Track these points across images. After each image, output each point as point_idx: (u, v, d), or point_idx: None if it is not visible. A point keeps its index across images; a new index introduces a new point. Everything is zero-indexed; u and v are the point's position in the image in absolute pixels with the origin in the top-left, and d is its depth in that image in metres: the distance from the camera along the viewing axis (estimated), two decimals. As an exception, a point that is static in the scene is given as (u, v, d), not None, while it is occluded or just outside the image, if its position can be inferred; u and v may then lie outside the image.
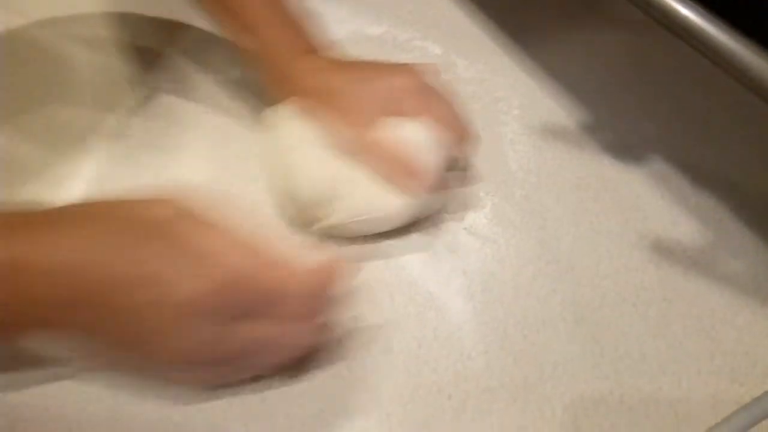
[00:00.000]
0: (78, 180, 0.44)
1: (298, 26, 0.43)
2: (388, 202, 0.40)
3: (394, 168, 0.39)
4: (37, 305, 0.28)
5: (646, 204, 0.45)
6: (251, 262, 0.31)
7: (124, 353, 0.31)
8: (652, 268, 0.42)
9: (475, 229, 0.43)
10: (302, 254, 0.33)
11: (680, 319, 0.40)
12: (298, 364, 0.35)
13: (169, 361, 0.31)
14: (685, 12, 0.60)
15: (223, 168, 0.45)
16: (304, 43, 0.43)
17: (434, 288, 0.40)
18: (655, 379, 0.37)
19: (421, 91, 0.41)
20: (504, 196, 0.45)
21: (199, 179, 0.45)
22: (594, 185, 0.46)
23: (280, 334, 0.32)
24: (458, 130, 0.42)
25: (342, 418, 0.35)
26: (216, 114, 0.48)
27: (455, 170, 0.44)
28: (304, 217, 0.41)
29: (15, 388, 0.34)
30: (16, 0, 0.55)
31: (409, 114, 0.40)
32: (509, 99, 0.52)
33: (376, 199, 0.40)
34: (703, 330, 0.39)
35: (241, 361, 0.32)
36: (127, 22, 0.55)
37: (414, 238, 0.42)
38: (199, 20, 0.55)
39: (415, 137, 0.40)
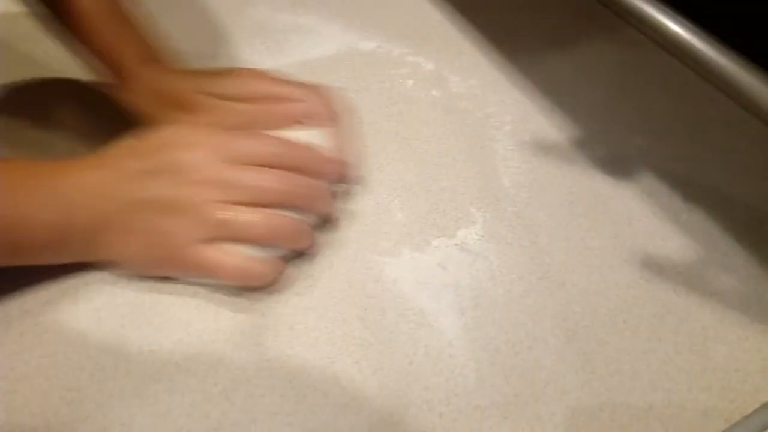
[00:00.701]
0: None
1: (141, 37, 0.45)
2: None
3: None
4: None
5: (637, 219, 0.45)
6: None
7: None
8: (643, 283, 0.42)
9: (467, 245, 0.43)
10: None
11: (671, 336, 0.40)
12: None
13: None
14: (675, 28, 0.60)
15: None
16: (149, 51, 0.45)
17: (426, 304, 0.40)
18: (646, 396, 0.37)
19: (276, 90, 0.45)
20: (495, 212, 0.45)
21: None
22: (585, 201, 0.46)
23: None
24: (328, 117, 0.45)
25: (332, 436, 0.34)
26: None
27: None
28: None
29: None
30: None
31: (278, 123, 0.44)
32: (501, 115, 0.52)
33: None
34: (694, 346, 0.39)
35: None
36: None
37: (405, 254, 0.42)
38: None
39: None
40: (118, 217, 0.36)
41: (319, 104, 0.45)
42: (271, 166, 0.38)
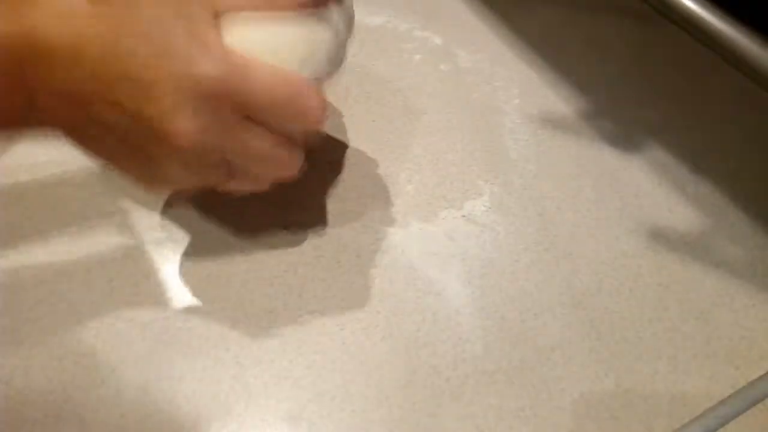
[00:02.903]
0: None
1: None
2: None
3: None
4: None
5: (645, 191, 0.46)
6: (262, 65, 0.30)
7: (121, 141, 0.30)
8: (650, 254, 0.42)
9: (474, 216, 0.44)
10: None
11: (677, 304, 0.40)
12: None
13: (170, 147, 0.29)
14: (683, 1, 0.60)
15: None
16: None
17: (433, 274, 0.41)
18: (651, 363, 0.37)
19: None
20: (503, 184, 0.45)
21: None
22: (592, 173, 0.47)
23: (277, 142, 0.32)
24: None
25: (341, 400, 0.35)
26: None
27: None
28: None
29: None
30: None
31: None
32: (509, 89, 0.52)
33: None
34: (700, 314, 0.40)
35: (238, 163, 0.32)
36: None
37: (413, 225, 0.43)
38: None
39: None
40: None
41: None
42: None
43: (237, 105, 0.29)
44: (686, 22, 0.59)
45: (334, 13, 0.34)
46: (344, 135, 0.48)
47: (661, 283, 0.41)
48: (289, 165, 0.34)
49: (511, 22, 0.59)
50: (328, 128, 0.48)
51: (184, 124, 0.28)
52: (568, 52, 0.56)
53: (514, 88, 0.53)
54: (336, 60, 0.35)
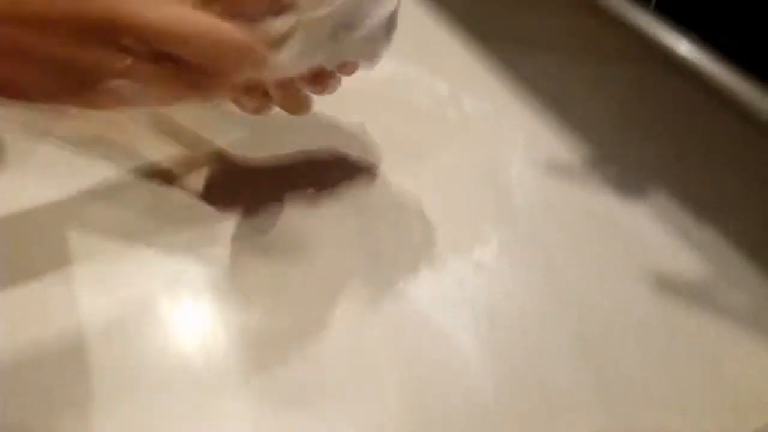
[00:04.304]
0: None
1: None
2: None
3: None
4: None
5: (649, 237, 0.46)
6: None
7: None
8: (655, 300, 0.43)
9: (483, 263, 0.44)
10: None
11: (684, 352, 0.40)
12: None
13: None
14: (683, 47, 0.61)
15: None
16: None
17: (443, 321, 0.41)
18: (659, 412, 0.38)
19: None
20: (510, 231, 0.46)
21: None
22: (598, 219, 0.48)
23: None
24: None
25: (354, 450, 0.35)
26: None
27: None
28: None
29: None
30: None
31: None
32: (514, 135, 0.54)
33: None
34: (707, 362, 0.40)
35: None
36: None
37: (422, 272, 0.44)
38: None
39: None
40: None
41: None
42: None
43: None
44: (686, 67, 0.60)
45: None
46: (352, 183, 0.49)
47: (668, 331, 0.42)
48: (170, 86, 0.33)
49: (514, 69, 0.60)
50: (334, 175, 0.49)
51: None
52: (571, 98, 0.58)
53: (519, 135, 0.54)
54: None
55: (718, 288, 0.44)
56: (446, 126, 0.54)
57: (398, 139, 0.53)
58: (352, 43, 0.37)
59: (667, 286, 0.44)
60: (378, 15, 0.37)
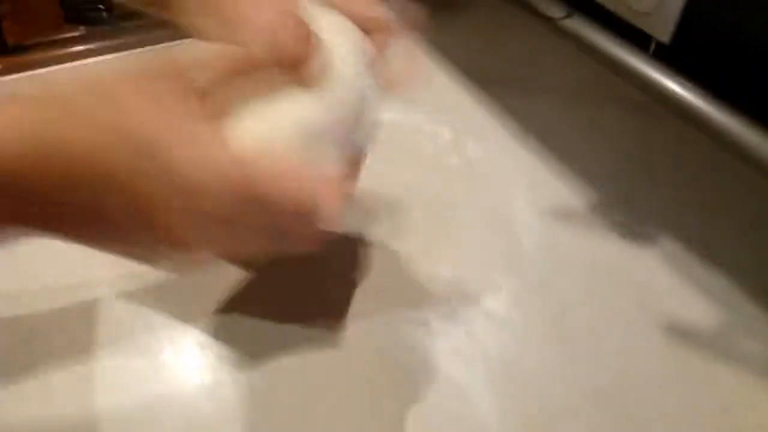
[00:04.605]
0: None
1: None
2: None
3: None
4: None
5: (659, 285, 0.46)
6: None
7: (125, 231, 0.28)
8: (668, 350, 0.42)
9: (493, 313, 0.44)
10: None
11: (698, 400, 0.40)
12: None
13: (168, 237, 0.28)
14: (684, 93, 0.62)
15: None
16: None
17: (455, 375, 0.40)
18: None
19: None
20: (520, 280, 0.46)
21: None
22: (607, 266, 0.47)
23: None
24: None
25: None
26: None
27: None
28: None
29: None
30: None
31: None
32: (518, 180, 0.54)
33: None
34: (723, 411, 0.39)
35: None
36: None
37: (433, 323, 0.43)
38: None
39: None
40: None
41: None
42: None
43: (242, 209, 0.28)
44: (687, 112, 0.61)
45: (348, 89, 0.32)
46: (358, 232, 0.48)
47: (682, 379, 0.41)
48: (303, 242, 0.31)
49: (516, 114, 0.61)
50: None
51: (184, 234, 0.27)
52: (573, 143, 0.58)
53: (523, 180, 0.54)
54: (356, 140, 0.33)
55: (730, 336, 0.43)
56: (450, 172, 0.54)
57: (403, 185, 0.52)
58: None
59: (680, 334, 0.43)
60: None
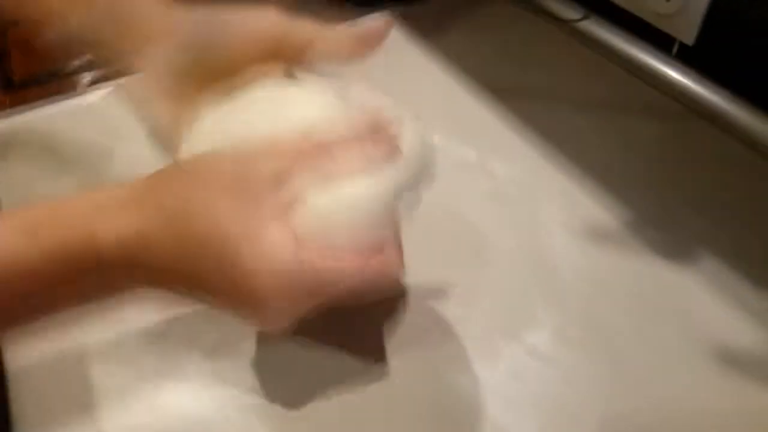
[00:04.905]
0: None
1: None
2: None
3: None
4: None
5: (706, 309, 0.44)
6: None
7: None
8: (722, 381, 0.41)
9: (537, 350, 0.42)
10: None
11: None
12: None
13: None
14: (712, 96, 0.60)
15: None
16: None
17: (501, 418, 0.39)
18: None
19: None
20: (562, 312, 0.44)
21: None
22: (650, 291, 0.46)
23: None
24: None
25: None
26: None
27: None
28: None
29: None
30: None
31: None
32: (550, 202, 0.52)
33: None
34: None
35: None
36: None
37: (476, 365, 0.41)
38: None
39: None
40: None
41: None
42: None
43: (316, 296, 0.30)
44: (718, 118, 0.59)
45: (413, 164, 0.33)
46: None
47: (738, 410, 0.40)
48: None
49: (538, 126, 0.59)
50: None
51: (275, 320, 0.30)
52: (602, 156, 0.56)
53: (555, 201, 0.52)
54: (410, 205, 0.35)
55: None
56: (479, 197, 0.52)
57: (430, 215, 0.50)
58: None
59: (732, 363, 0.42)
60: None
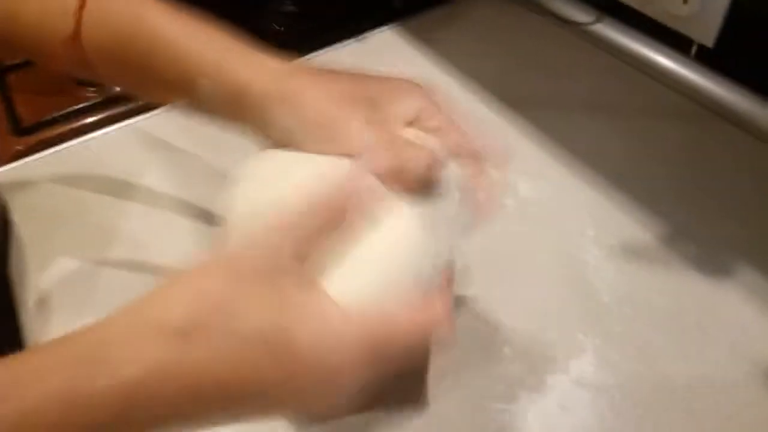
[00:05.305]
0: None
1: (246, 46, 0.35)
2: None
3: None
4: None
5: (749, 324, 0.44)
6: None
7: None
8: (775, 400, 0.40)
9: (583, 378, 0.41)
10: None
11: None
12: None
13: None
14: (735, 98, 0.59)
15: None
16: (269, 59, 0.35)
17: (552, 451, 0.38)
18: None
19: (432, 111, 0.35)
20: (603, 335, 0.43)
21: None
22: (691, 308, 0.45)
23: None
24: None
25: None
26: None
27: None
28: None
29: None
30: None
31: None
32: (580, 218, 0.51)
33: None
34: None
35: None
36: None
37: (522, 397, 0.40)
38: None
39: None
40: None
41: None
42: None
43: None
44: (741, 120, 0.57)
45: (442, 223, 0.32)
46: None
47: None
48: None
49: (560, 137, 0.58)
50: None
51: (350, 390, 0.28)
52: (625, 164, 0.55)
53: (585, 217, 0.51)
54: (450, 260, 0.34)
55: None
56: (505, 217, 0.51)
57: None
58: None
59: (783, 380, 0.41)
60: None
